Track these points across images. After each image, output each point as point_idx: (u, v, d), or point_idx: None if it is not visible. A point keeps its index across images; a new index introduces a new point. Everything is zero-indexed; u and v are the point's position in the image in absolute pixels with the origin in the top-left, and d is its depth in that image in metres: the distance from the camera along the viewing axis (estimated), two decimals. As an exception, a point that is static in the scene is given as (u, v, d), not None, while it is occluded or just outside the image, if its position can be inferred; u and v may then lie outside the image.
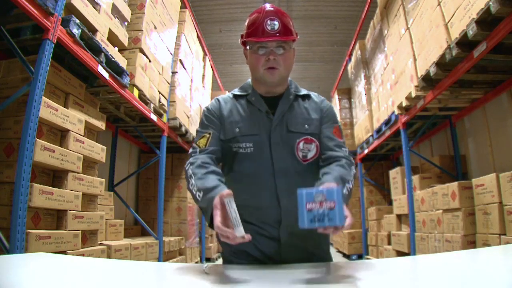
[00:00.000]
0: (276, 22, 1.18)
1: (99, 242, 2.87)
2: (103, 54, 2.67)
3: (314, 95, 1.35)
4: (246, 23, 1.24)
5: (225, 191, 0.96)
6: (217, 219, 0.92)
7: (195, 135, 1.31)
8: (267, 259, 1.21)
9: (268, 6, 1.23)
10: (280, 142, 1.21)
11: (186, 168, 1.19)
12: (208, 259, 6.21)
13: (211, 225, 1.00)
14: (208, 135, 1.25)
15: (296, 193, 1.15)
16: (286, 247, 1.19)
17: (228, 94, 1.35)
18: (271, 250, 1.20)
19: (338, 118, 6.96)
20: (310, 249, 1.22)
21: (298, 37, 1.25)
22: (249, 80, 1.35)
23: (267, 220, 1.20)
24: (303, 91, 1.33)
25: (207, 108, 1.32)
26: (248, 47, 1.24)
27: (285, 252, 1.20)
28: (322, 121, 1.28)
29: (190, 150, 1.26)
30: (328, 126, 1.28)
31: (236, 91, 1.34)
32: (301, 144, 1.22)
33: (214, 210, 0.94)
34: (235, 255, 1.24)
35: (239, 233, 0.88)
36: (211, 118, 1.28)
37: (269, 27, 1.17)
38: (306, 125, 1.25)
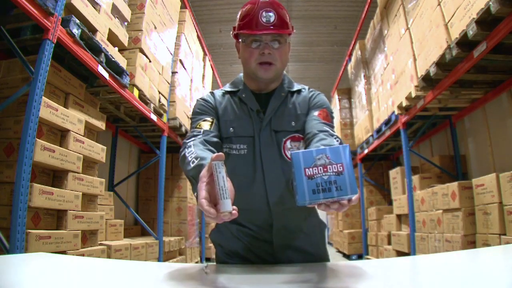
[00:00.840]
0: (271, 14, 1.09)
1: (99, 242, 2.87)
2: (103, 54, 2.67)
3: (306, 89, 1.26)
4: (238, 14, 1.16)
5: (216, 154, 0.75)
6: (202, 193, 0.74)
7: (191, 123, 1.19)
8: (261, 261, 1.17)
9: None
10: (270, 143, 1.14)
11: (187, 141, 1.06)
12: (208, 259, 6.21)
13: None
14: (211, 120, 1.15)
15: (286, 195, 1.11)
16: (279, 249, 1.16)
17: (220, 90, 1.27)
18: (264, 252, 1.17)
19: (338, 118, 6.91)
20: (306, 249, 1.19)
21: (294, 31, 1.17)
22: (241, 75, 1.27)
23: (259, 223, 1.16)
24: (296, 87, 1.25)
25: (202, 99, 1.23)
26: (240, 40, 1.15)
27: (279, 254, 1.16)
28: (309, 109, 1.18)
29: (190, 134, 1.12)
30: (314, 110, 1.17)
31: (227, 87, 1.26)
32: (288, 143, 1.15)
33: (200, 182, 0.76)
34: (228, 256, 1.21)
35: (225, 207, 0.68)
36: (210, 108, 1.19)
37: (264, 19, 1.09)
38: (293, 122, 1.16)
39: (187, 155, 0.98)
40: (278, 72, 1.16)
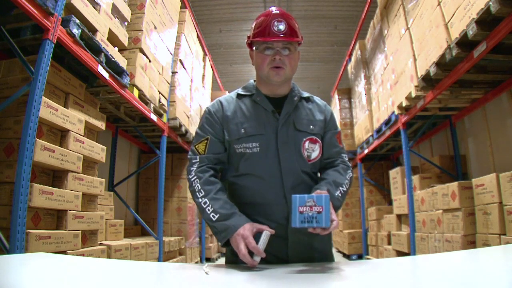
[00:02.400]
0: (282, 24, 1.22)
1: (99, 242, 2.87)
2: (103, 54, 2.67)
3: (316, 98, 1.41)
4: (253, 25, 1.29)
5: (269, 229, 1.09)
6: (245, 249, 1.06)
7: (194, 136, 1.33)
8: (274, 258, 1.21)
9: (274, 9, 1.28)
10: (287, 141, 1.25)
11: (192, 179, 1.24)
12: (208, 259, 6.21)
13: (225, 245, 1.15)
14: (206, 141, 1.28)
15: (302, 190, 1.23)
16: (293, 245, 1.22)
17: (230, 94, 1.37)
18: (278, 248, 1.21)
19: (338, 118, 7.03)
20: (315, 247, 1.25)
21: (303, 40, 1.29)
22: (252, 81, 1.37)
23: (275, 217, 1.22)
24: (305, 94, 1.38)
25: (208, 109, 1.33)
26: (254, 48, 1.28)
27: (292, 250, 1.22)
28: (327, 126, 1.34)
29: (190, 154, 1.30)
30: (333, 132, 1.34)
31: (240, 91, 1.36)
32: (306, 144, 1.27)
33: (240, 240, 1.07)
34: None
35: (257, 259, 1.05)
36: (212, 122, 1.30)
37: (275, 28, 1.21)
38: (311, 126, 1.29)
39: (203, 205, 1.18)
40: (287, 76, 1.27)
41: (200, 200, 1.20)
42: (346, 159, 1.35)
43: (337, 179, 1.24)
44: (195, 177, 1.24)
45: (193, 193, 1.23)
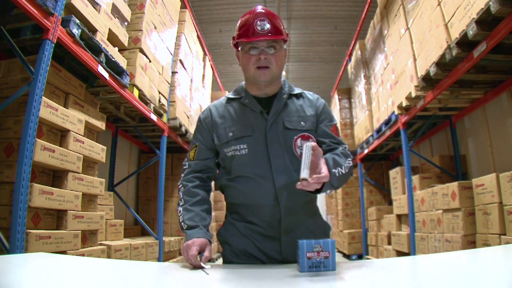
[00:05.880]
0: (265, 23, 1.21)
1: (99, 242, 2.87)
2: (103, 54, 2.67)
3: (308, 93, 1.38)
4: (237, 25, 1.27)
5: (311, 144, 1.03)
6: (195, 252, 1.09)
7: (191, 142, 1.38)
8: (268, 258, 1.22)
9: (258, 8, 1.26)
10: (277, 140, 1.23)
11: (180, 187, 1.31)
12: (208, 259, 6.20)
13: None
14: (195, 147, 1.32)
15: (295, 189, 1.19)
16: (286, 246, 1.20)
17: (220, 99, 1.38)
18: (272, 249, 1.21)
19: (338, 118, 6.97)
20: None
21: (289, 37, 1.28)
22: (242, 83, 1.36)
23: (268, 219, 1.21)
24: (297, 90, 1.36)
25: (199, 117, 1.37)
26: (240, 48, 1.27)
27: (286, 251, 1.20)
28: (319, 119, 1.30)
29: (184, 160, 1.36)
30: (326, 124, 1.30)
31: (230, 95, 1.36)
32: (298, 141, 1.24)
33: (192, 246, 1.10)
34: (236, 255, 1.25)
35: (304, 174, 1.01)
36: (201, 129, 1.33)
37: (259, 28, 1.20)
38: (302, 122, 1.27)
39: (178, 212, 1.25)
40: (274, 75, 1.25)
41: (179, 208, 1.26)
42: (346, 149, 1.25)
43: (337, 159, 1.15)
44: (181, 185, 1.31)
45: (179, 200, 1.31)
